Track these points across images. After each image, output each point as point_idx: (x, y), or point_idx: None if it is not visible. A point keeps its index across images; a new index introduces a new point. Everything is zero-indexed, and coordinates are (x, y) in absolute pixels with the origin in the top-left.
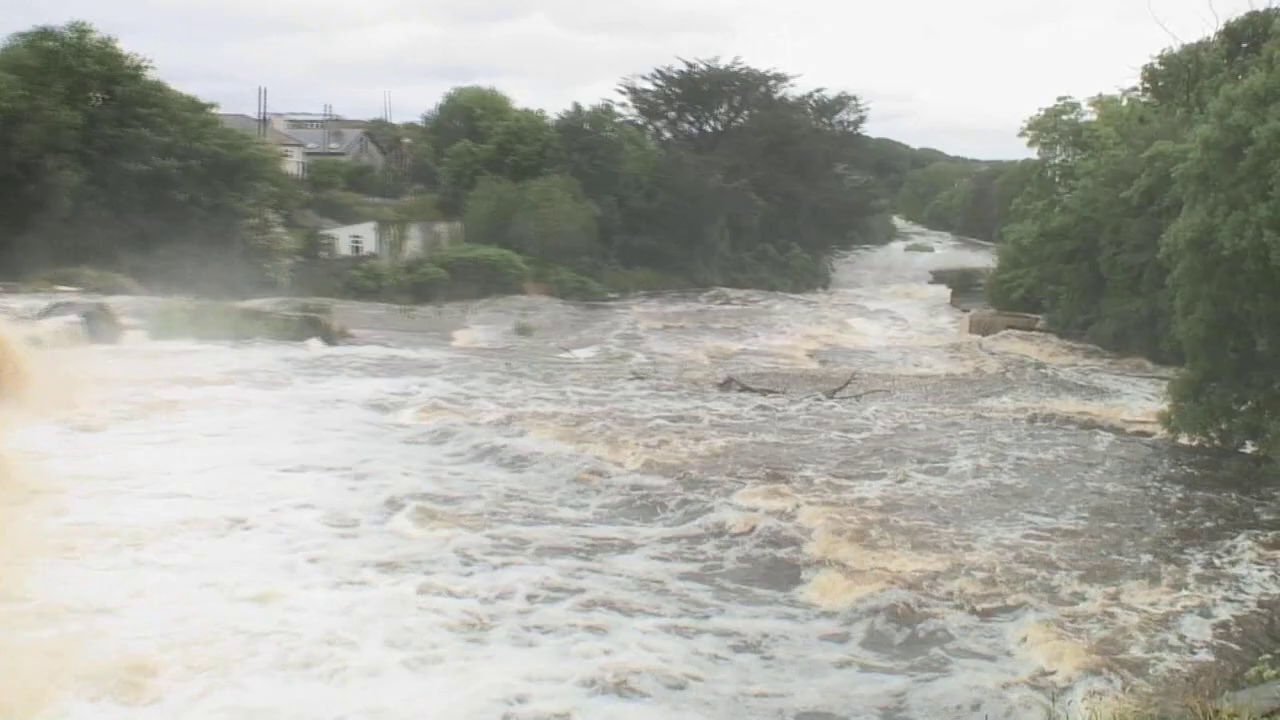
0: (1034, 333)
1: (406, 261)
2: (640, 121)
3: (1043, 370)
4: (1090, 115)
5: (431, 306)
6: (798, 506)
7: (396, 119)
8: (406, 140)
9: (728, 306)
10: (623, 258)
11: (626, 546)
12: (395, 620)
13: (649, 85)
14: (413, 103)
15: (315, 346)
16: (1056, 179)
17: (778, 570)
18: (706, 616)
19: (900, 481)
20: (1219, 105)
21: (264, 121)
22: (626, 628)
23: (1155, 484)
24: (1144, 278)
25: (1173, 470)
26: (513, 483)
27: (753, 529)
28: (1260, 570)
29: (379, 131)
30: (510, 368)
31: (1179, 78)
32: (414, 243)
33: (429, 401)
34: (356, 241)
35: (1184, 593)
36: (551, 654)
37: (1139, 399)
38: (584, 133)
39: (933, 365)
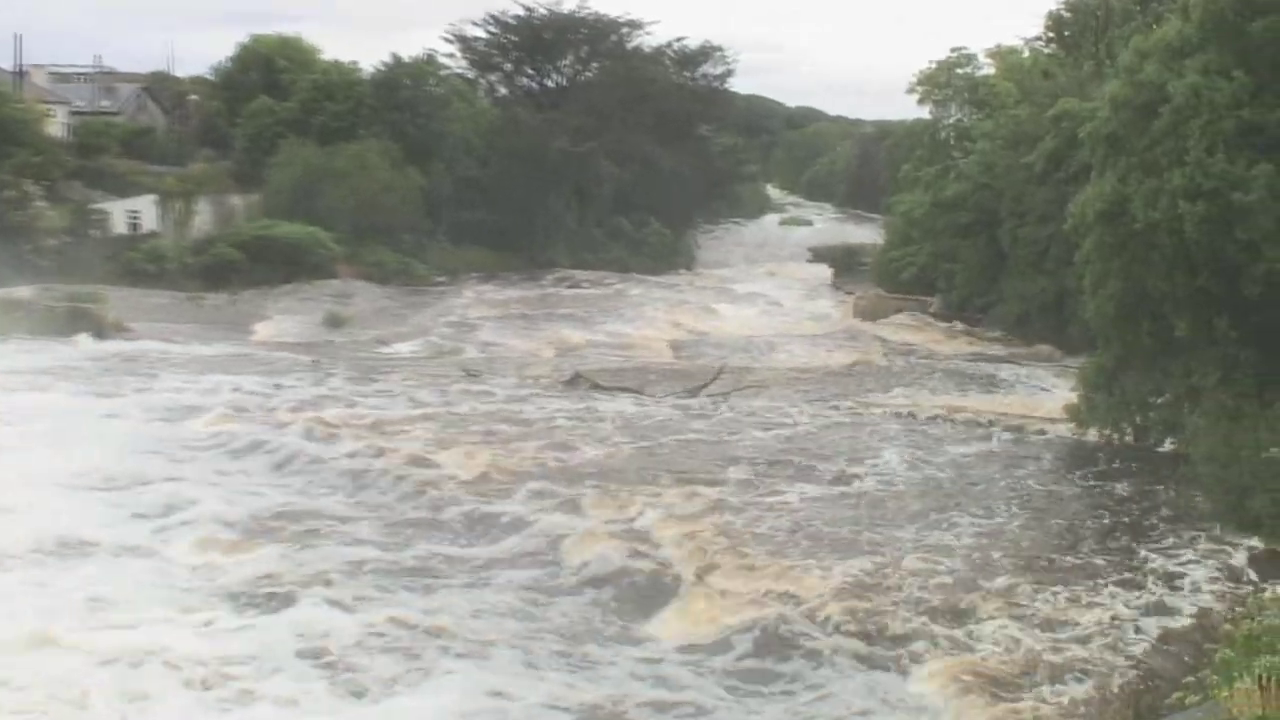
0: (927, 317)
1: (195, 241)
2: (471, 75)
3: (937, 360)
4: (988, 69)
5: (226, 294)
6: (651, 523)
7: (181, 71)
8: (193, 97)
9: (575, 291)
10: (452, 235)
11: (447, 574)
12: (133, 677)
13: (481, 33)
14: (200, 52)
15: (85, 343)
16: (951, 142)
17: (626, 601)
18: (533, 667)
19: (772, 494)
20: (1129, 59)
21: (20, 75)
22: (429, 690)
23: (1063, 488)
24: (1050, 254)
25: (1082, 473)
26: (317, 499)
27: (598, 550)
28: (1180, 587)
29: (160, 86)
30: (320, 365)
31: (1087, 26)
32: (203, 218)
33: (223, 407)
34: (134, 218)
35: (1095, 612)
36: None
37: (1044, 391)
38: (405, 88)
39: (813, 357)
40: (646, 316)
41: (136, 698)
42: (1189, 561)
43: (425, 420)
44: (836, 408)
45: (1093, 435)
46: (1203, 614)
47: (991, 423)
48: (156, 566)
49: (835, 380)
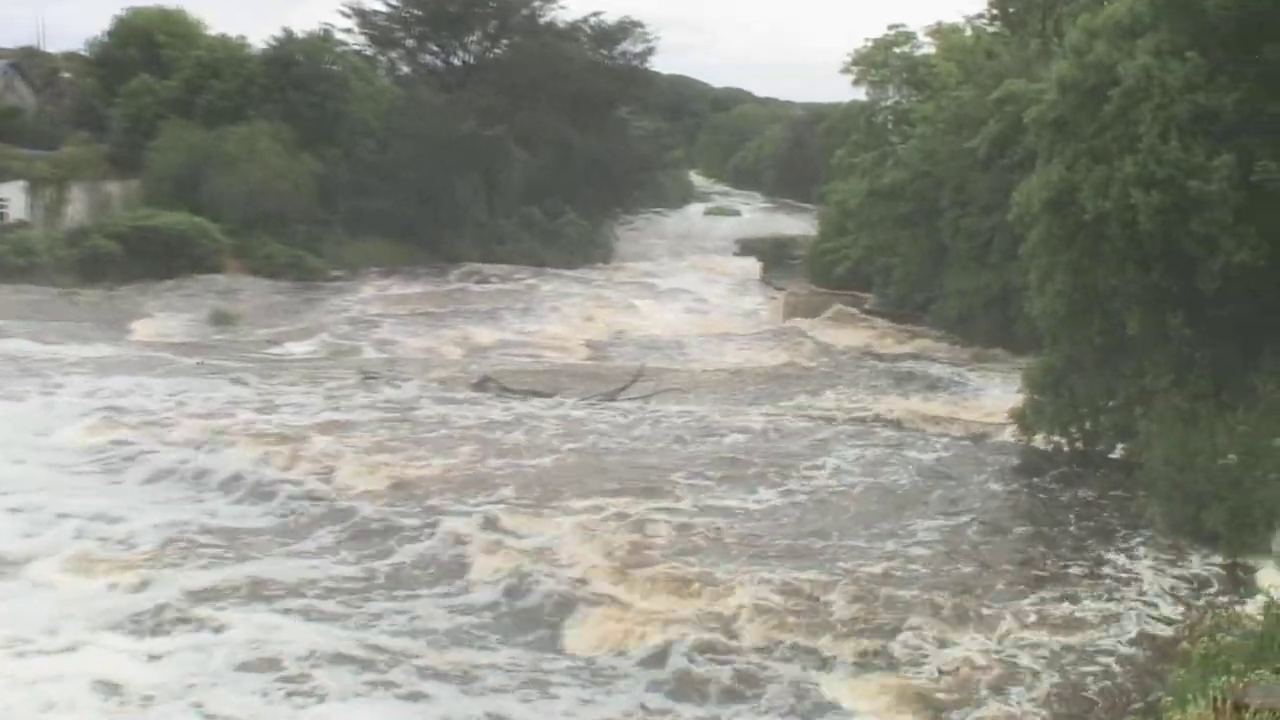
0: (863, 315)
1: (68, 231)
2: (371, 52)
3: (874, 361)
4: (928, 48)
5: (102, 289)
6: (563, 536)
7: (52, 47)
8: (66, 75)
9: (484, 286)
10: (350, 226)
11: (340, 591)
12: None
13: (381, 6)
14: (74, 25)
15: None
16: (888, 126)
17: (535, 617)
18: (440, 681)
19: (693, 505)
20: (1077, 39)
21: None
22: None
23: (1007, 499)
24: (994, 246)
25: (1027, 482)
26: (203, 515)
27: (505, 564)
28: (1132, 604)
29: (29, 63)
30: (205, 368)
31: (1033, 3)
32: (77, 207)
33: (100, 414)
34: (0, 206)
35: (1042, 631)
36: None
37: (988, 393)
38: (298, 66)
39: (741, 357)
40: (561, 314)
41: None
42: (1142, 576)
43: (320, 427)
44: (765, 412)
45: (1040, 441)
46: (1157, 632)
47: (932, 428)
48: (19, 589)
49: (764, 382)
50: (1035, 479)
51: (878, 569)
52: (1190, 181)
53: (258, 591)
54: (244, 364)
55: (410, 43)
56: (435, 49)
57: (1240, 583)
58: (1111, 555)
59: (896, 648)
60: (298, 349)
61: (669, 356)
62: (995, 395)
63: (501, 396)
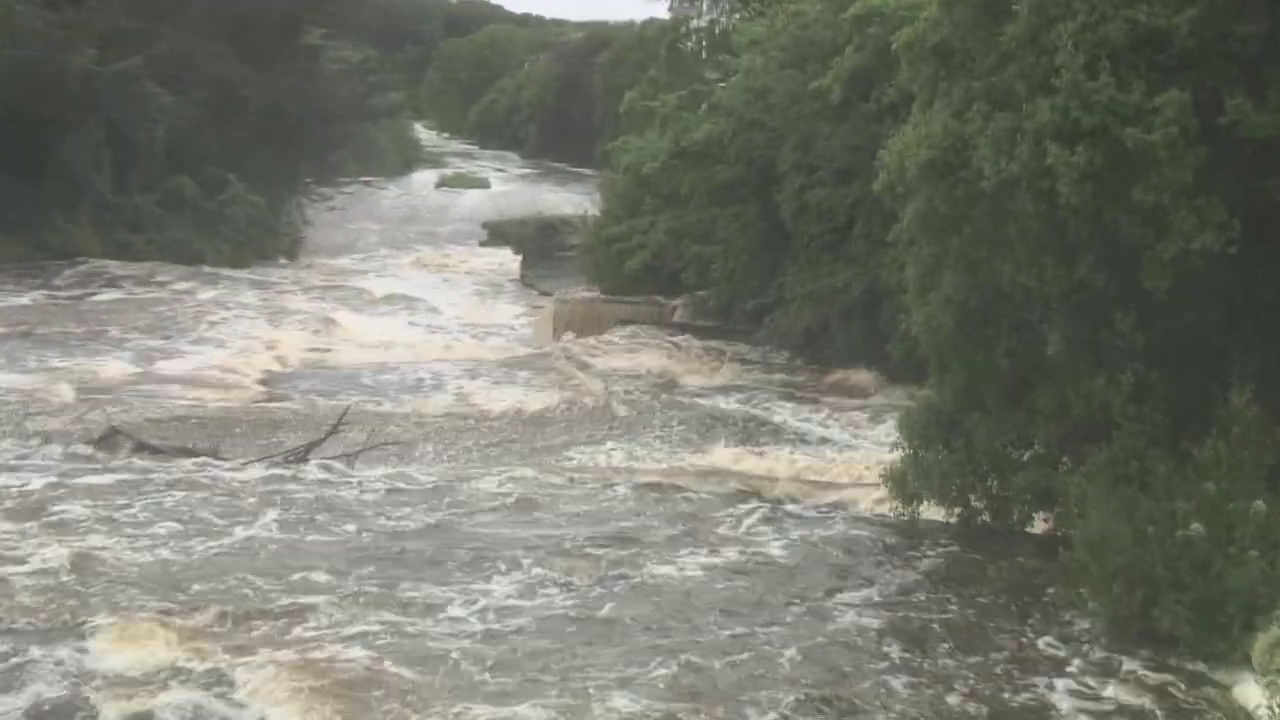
0: (668, 329)
1: None
2: None
3: (686, 397)
4: None
5: None
6: (200, 666)
7: None
8: None
9: (112, 294)
10: None
11: None
12: None
13: None
14: None
15: None
16: (702, 55)
17: None
18: None
19: (404, 619)
20: None
21: None
22: None
23: (878, 605)
24: (857, 230)
25: (906, 577)
26: None
27: (120, 707)
28: None
29: None
30: None
31: None
32: None
33: None
34: None
35: None
36: None
37: (851, 444)
38: None
39: (491, 396)
40: (226, 335)
41: None
42: (1070, 705)
43: None
44: (528, 476)
45: (927, 511)
46: None
47: (766, 494)
48: None
49: (524, 432)
50: (917, 571)
51: (676, 696)
52: (1127, 130)
53: None
54: None
55: None
56: None
57: (1210, 705)
58: (1028, 679)
59: None
60: None
61: (385, 396)
62: (860, 445)
63: (136, 458)
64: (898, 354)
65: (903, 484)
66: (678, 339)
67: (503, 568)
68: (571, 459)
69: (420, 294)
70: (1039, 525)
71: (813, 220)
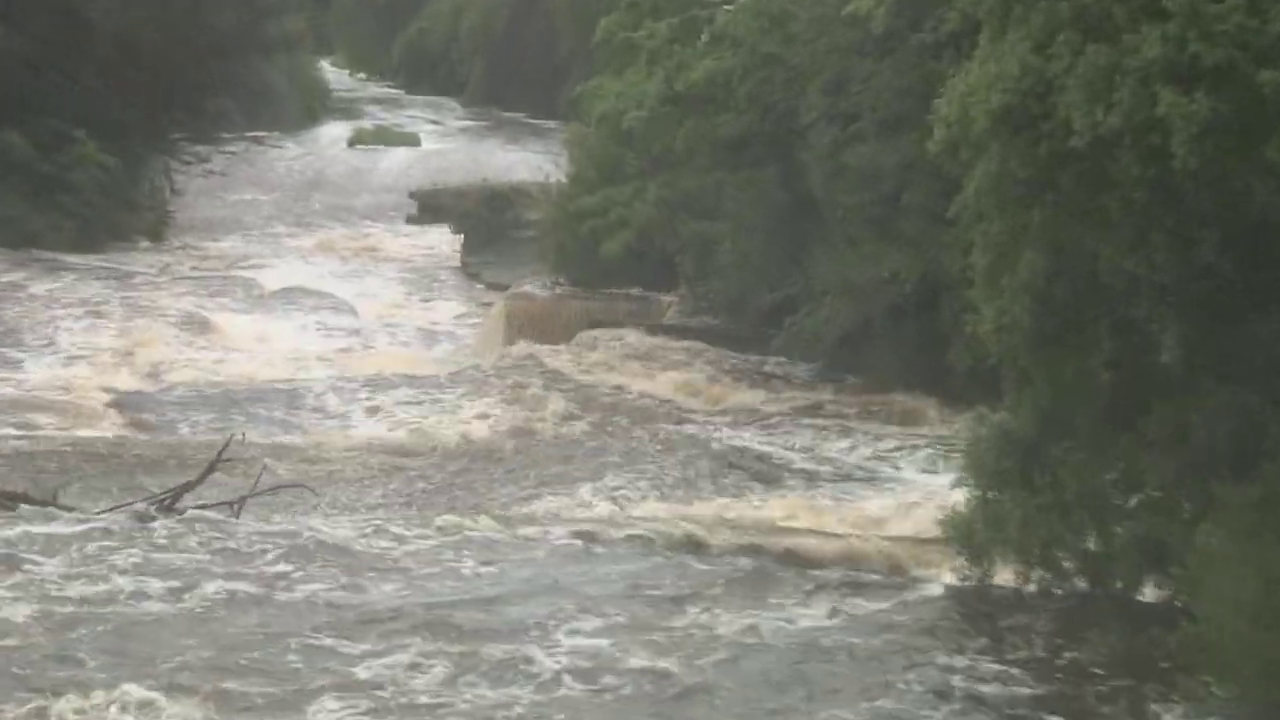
0: (659, 336)
1: None
2: None
3: (683, 425)
4: None
5: None
6: None
7: None
8: None
9: None
10: None
11: None
12: None
13: None
14: None
15: None
16: None
17: None
18: None
19: None
20: None
21: None
22: None
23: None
24: (908, 200)
25: (973, 669)
26: None
27: None
28: None
29: None
30: None
31: None
32: None
33: None
34: None
35: None
36: None
37: (902, 486)
38: None
39: (423, 424)
40: (67, 343)
41: None
42: None
43: None
44: (466, 530)
45: (1004, 576)
46: None
47: (797, 559)
48: None
49: (469, 472)
50: (987, 655)
51: None
52: (1261, 71)
53: None
54: None
55: None
56: None
57: None
58: None
59: None
60: None
61: (282, 424)
62: (914, 489)
63: None
64: (963, 365)
65: (969, 536)
66: (671, 347)
67: (438, 672)
68: (532, 509)
69: (328, 287)
70: (1150, 592)
71: (850, 188)
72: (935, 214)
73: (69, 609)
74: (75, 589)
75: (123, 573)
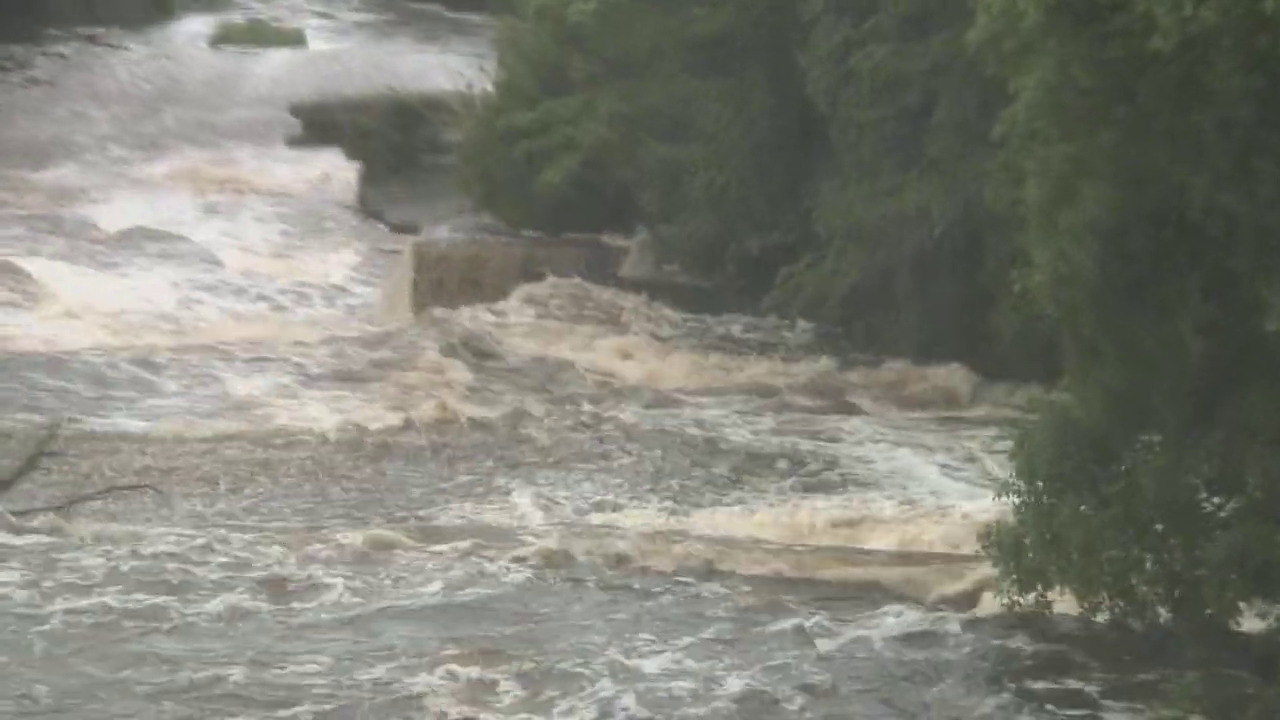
0: (615, 292)
1: None
2: None
3: (647, 412)
4: None
5: None
6: None
7: None
8: None
9: None
10: None
11: None
12: None
13: None
14: None
15: None
16: None
17: None
18: None
19: None
20: None
21: None
22: None
23: None
24: (939, 117)
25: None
26: None
27: None
28: None
29: None
30: None
31: None
32: None
33: None
34: None
35: None
36: None
37: (928, 490)
38: None
39: (304, 407)
40: None
41: None
42: None
43: None
44: (361, 545)
45: (1063, 605)
46: None
47: (783, 584)
48: None
49: (365, 469)
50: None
51: None
52: None
53: None
54: None
55: None
56: None
57: None
58: None
59: None
60: None
61: (123, 406)
62: (945, 492)
63: None
64: (1009, 331)
65: (1017, 554)
66: (629, 308)
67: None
68: (447, 519)
69: (184, 230)
70: (1251, 620)
71: (864, 101)
72: (974, 133)
73: None
74: None
75: None
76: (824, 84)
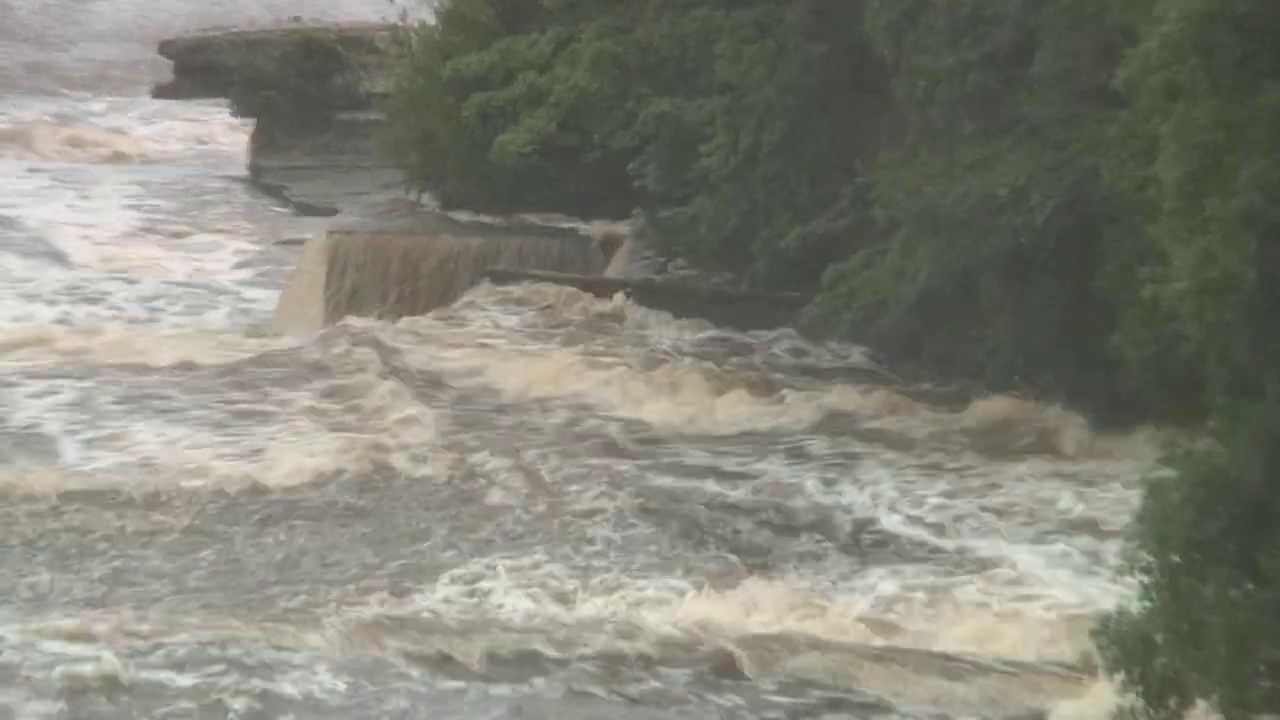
0: (598, 298)
1: None
2: None
3: (642, 462)
4: None
5: None
6: None
7: None
8: None
9: None
10: None
11: None
12: None
13: None
14: None
15: None
16: None
17: None
18: None
19: None
20: None
21: None
22: None
23: None
24: (1039, 68)
25: None
26: None
27: None
28: None
29: None
30: None
31: None
32: None
33: None
34: None
35: None
36: None
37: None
38: None
39: (178, 449)
40: None
41: None
42: None
43: None
44: (253, 642)
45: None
46: None
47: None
48: None
49: (262, 533)
50: None
51: None
52: None
53: None
54: None
55: None
56: None
57: None
58: None
59: None
60: None
61: None
62: (1050, 578)
63: None
64: (1135, 356)
65: (1144, 656)
66: (618, 319)
67: None
68: (350, 611)
69: (17, 211)
70: None
71: (938, 43)
72: (1087, 89)
73: None
74: None
75: None
76: (885, 19)
